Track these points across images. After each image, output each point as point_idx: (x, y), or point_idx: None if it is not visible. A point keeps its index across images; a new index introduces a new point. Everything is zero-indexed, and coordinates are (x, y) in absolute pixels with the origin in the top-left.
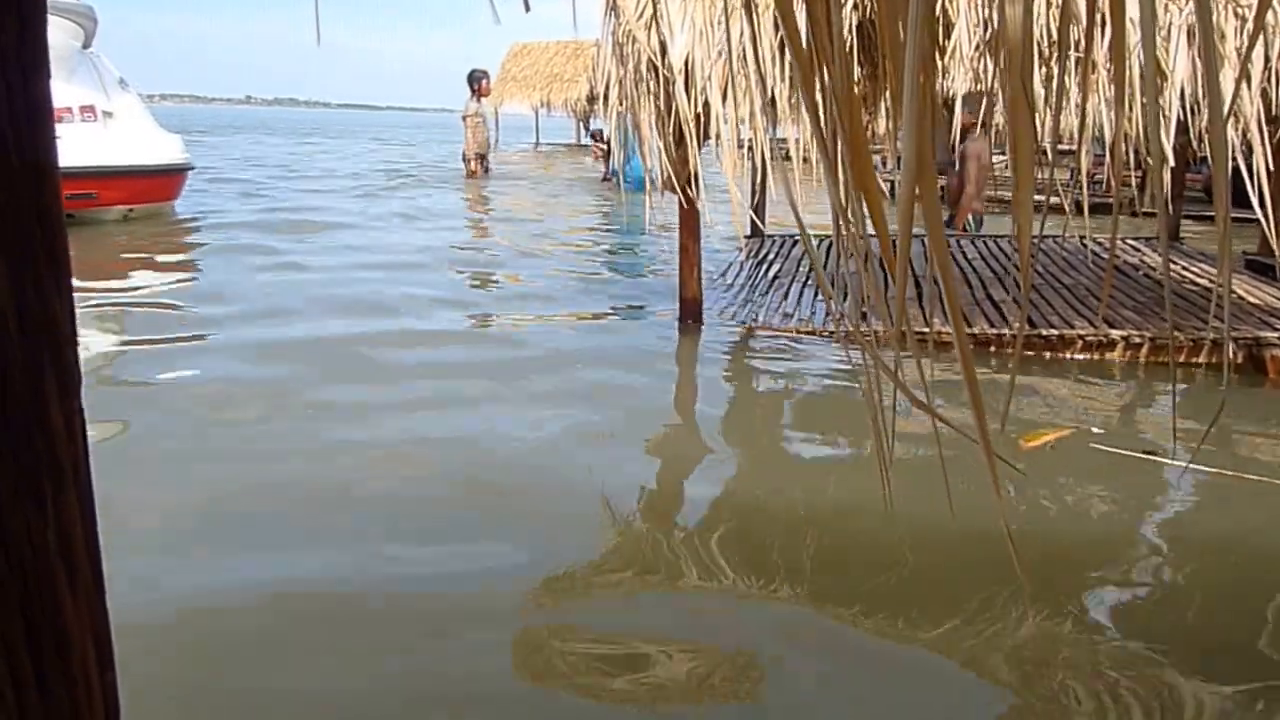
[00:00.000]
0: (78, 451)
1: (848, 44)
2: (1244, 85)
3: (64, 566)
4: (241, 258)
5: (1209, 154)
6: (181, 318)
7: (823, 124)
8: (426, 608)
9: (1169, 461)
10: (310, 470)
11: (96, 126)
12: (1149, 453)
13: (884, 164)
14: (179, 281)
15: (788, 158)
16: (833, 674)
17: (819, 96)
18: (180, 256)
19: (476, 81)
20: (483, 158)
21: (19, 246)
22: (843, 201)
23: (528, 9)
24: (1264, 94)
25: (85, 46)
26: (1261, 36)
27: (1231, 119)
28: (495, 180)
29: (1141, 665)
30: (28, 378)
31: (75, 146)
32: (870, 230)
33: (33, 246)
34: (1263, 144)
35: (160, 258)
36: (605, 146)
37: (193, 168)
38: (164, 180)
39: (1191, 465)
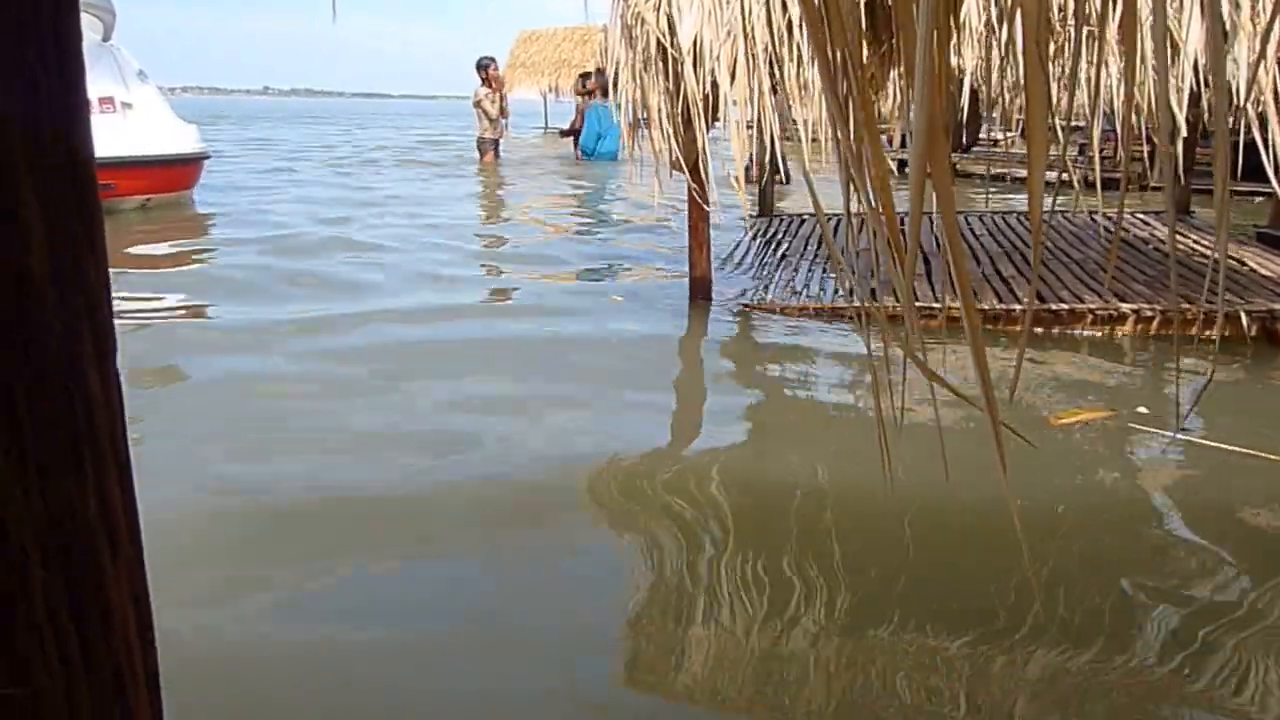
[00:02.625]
0: (114, 417)
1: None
2: (1260, 57)
3: (105, 533)
4: (252, 248)
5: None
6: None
7: (838, 94)
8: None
9: (1196, 439)
10: (320, 441)
11: (116, 118)
12: (1182, 431)
13: (890, 143)
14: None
15: (791, 139)
16: (834, 651)
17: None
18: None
19: (483, 68)
20: (495, 143)
21: (57, 224)
22: (852, 175)
23: None
24: None
25: (105, 39)
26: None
27: (1249, 92)
28: (505, 165)
29: (1161, 644)
30: (65, 344)
31: (94, 138)
32: (881, 206)
33: (71, 225)
34: (1278, 116)
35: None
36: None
37: (208, 156)
38: (181, 170)
39: (1222, 446)
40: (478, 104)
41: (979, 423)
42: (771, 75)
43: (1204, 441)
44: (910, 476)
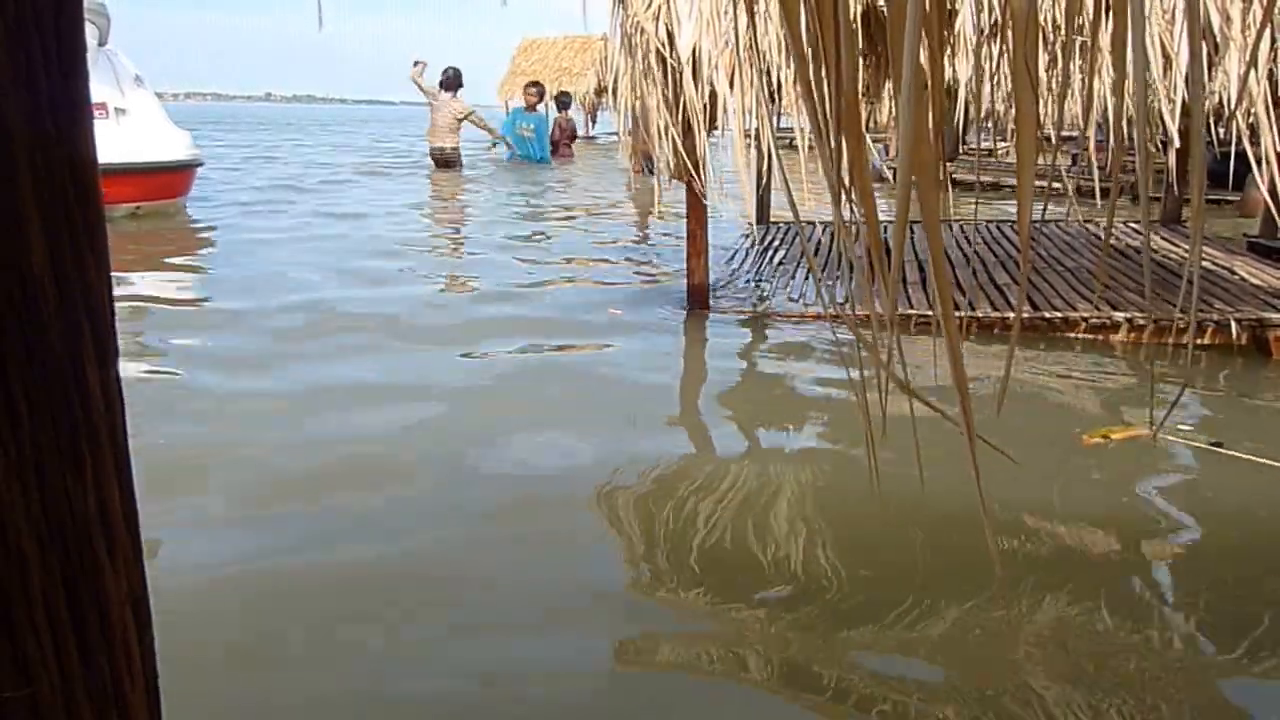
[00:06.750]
0: (115, 418)
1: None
2: (1250, 66)
3: (103, 533)
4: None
5: (1213, 136)
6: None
7: (819, 116)
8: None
9: (1225, 451)
10: (301, 467)
11: (108, 123)
12: (1215, 444)
13: (888, 152)
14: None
15: (792, 146)
16: (832, 658)
17: (821, 90)
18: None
19: (443, 73)
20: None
21: (58, 224)
22: (838, 189)
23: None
24: (1270, 76)
25: (101, 44)
26: (1267, 18)
27: (1241, 102)
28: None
29: (1168, 655)
30: (66, 344)
31: None
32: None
33: (72, 225)
34: (1270, 126)
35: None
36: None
37: (202, 164)
38: (173, 177)
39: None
40: (466, 117)
41: (1008, 429)
42: (768, 83)
43: (1241, 455)
44: (907, 482)
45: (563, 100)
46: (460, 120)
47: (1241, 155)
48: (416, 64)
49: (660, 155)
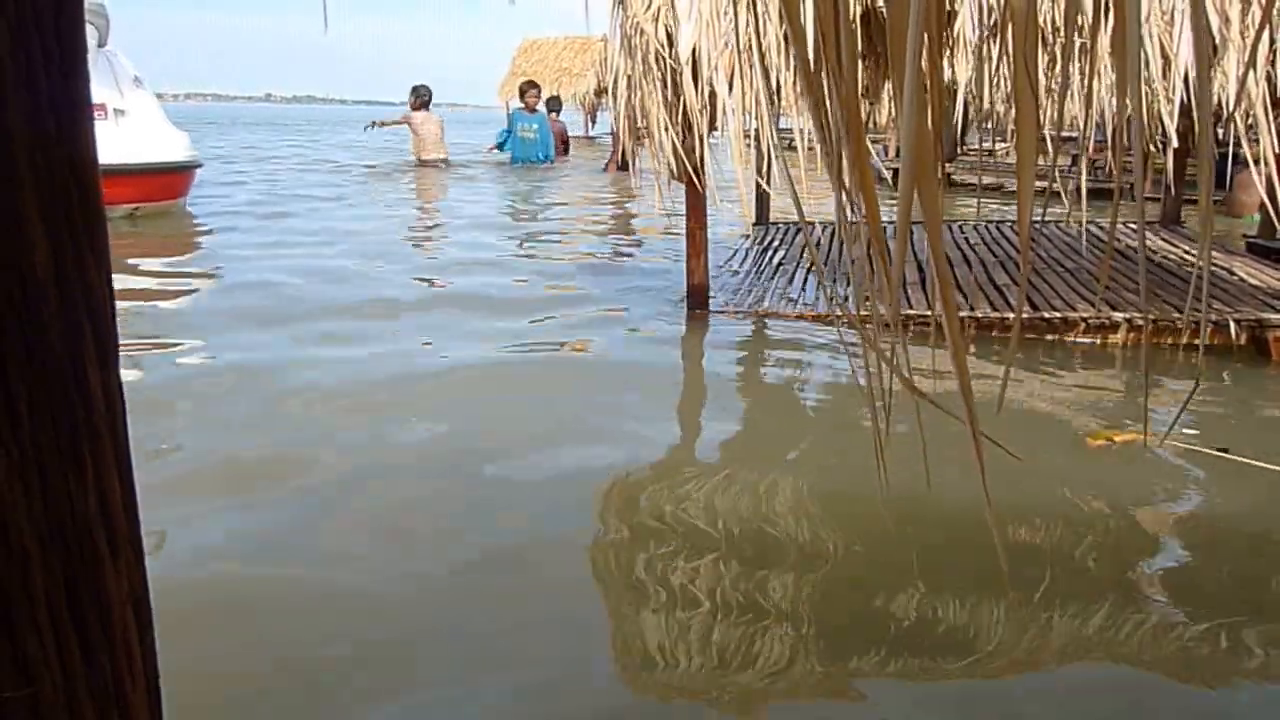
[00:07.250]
0: (116, 418)
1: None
2: (1249, 66)
3: (104, 532)
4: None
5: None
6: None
7: (826, 116)
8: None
9: (1233, 457)
10: (304, 463)
11: (107, 124)
12: (1221, 450)
13: (887, 152)
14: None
15: (791, 147)
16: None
17: (822, 89)
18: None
19: (416, 94)
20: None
21: (59, 224)
22: (844, 187)
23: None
24: (1269, 77)
25: (100, 45)
26: (1265, 19)
27: (1240, 102)
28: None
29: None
30: (66, 344)
31: None
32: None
33: (73, 225)
34: (1269, 128)
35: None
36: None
37: (201, 165)
38: (171, 178)
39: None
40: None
41: (1008, 430)
42: (768, 84)
43: (1244, 459)
44: (908, 484)
45: (551, 105)
46: (442, 129)
47: (1232, 156)
48: (368, 129)
49: (659, 156)
